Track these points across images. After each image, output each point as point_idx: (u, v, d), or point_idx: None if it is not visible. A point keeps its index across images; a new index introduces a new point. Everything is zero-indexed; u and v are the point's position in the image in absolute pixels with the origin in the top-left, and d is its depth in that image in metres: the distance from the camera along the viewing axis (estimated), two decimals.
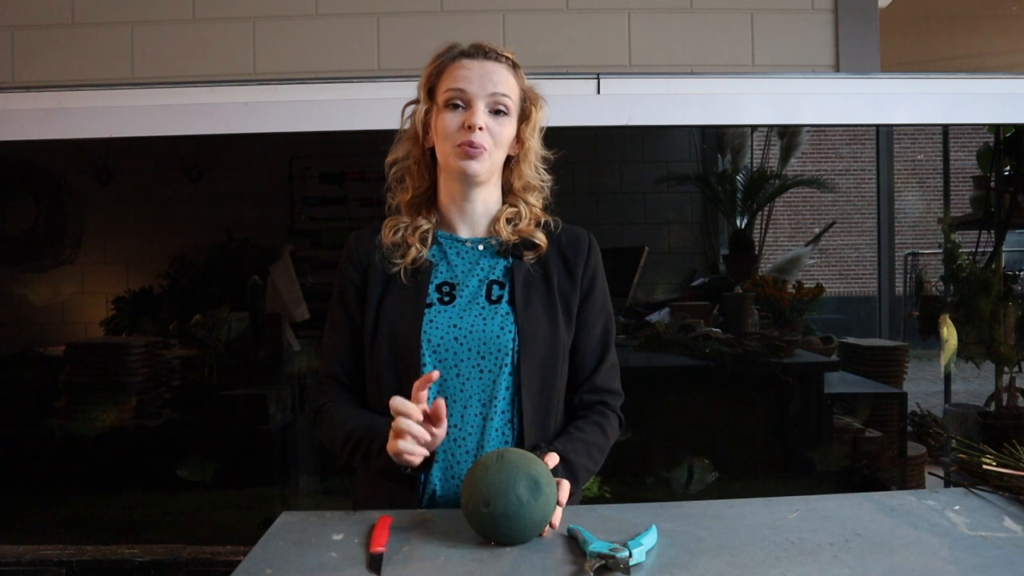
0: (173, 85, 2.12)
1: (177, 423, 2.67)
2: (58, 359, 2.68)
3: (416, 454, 1.05)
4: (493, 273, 1.23)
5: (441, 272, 1.23)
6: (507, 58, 1.22)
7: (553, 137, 1.30)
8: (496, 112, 1.18)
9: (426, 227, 1.24)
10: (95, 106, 2.07)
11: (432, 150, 1.24)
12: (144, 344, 2.70)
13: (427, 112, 1.22)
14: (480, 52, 1.20)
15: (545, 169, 1.28)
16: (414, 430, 1.03)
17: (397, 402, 1.05)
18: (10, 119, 2.07)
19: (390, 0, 2.40)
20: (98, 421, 2.61)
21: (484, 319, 1.19)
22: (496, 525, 0.97)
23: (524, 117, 1.23)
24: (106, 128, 2.08)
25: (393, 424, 1.05)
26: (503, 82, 1.19)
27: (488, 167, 1.19)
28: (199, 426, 2.69)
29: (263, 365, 2.75)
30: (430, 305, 1.20)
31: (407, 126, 1.26)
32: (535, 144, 1.25)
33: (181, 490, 2.63)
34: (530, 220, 1.25)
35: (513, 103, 1.20)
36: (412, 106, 1.26)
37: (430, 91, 1.22)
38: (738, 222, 3.00)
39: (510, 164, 1.27)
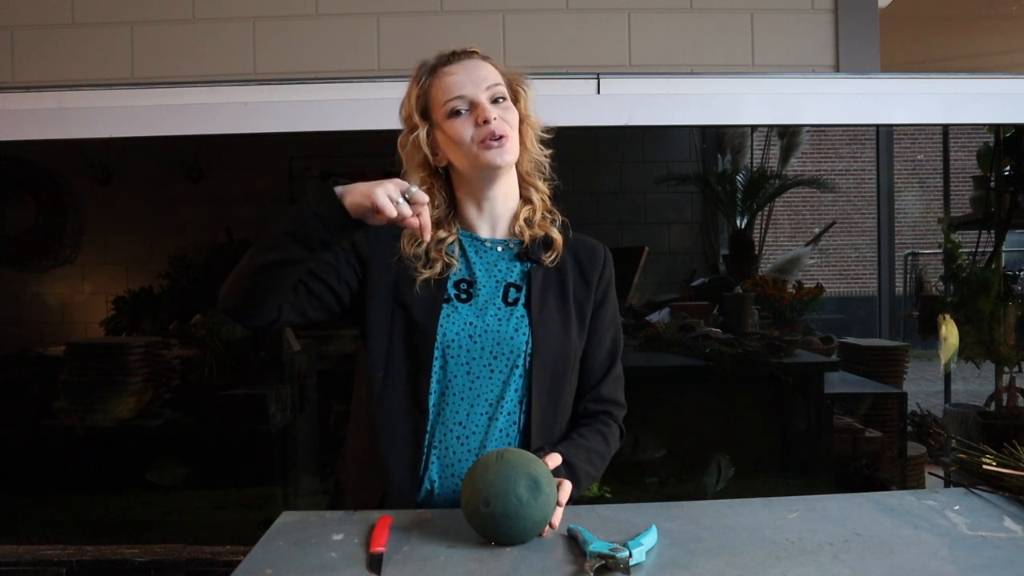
0: (173, 85, 2.12)
1: (177, 423, 2.67)
2: (58, 359, 2.68)
3: (392, 210, 1.03)
4: (511, 276, 1.24)
5: (460, 270, 1.24)
6: (476, 52, 1.23)
7: (553, 137, 1.30)
8: (496, 101, 1.19)
9: (450, 240, 1.24)
10: (95, 106, 2.07)
11: (445, 169, 1.25)
12: (144, 344, 2.70)
13: (429, 134, 1.22)
14: (454, 56, 1.21)
15: (542, 142, 1.28)
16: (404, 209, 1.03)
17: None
18: (10, 119, 2.07)
19: (390, 0, 2.40)
20: (98, 421, 2.61)
21: (500, 320, 1.19)
22: (496, 525, 0.97)
23: (516, 98, 1.24)
24: (106, 128, 2.08)
25: (388, 182, 1.04)
26: (489, 74, 1.20)
27: (514, 153, 1.20)
28: (199, 426, 2.69)
29: (263, 365, 2.75)
30: (448, 300, 1.20)
31: (415, 159, 1.23)
32: (533, 118, 1.26)
33: (181, 490, 2.63)
34: (543, 213, 1.26)
35: (504, 88, 1.21)
36: (411, 135, 1.22)
37: (423, 113, 1.22)
38: (738, 222, 3.00)
39: None
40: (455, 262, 1.23)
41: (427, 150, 1.22)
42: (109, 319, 2.80)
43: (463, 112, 1.18)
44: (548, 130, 1.28)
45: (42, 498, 2.60)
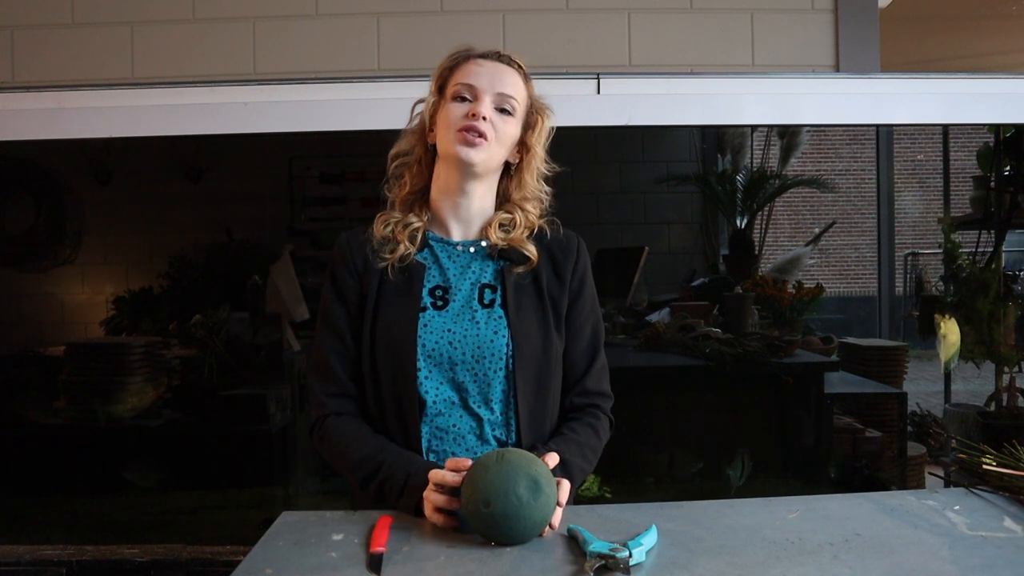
0: (173, 85, 2.12)
1: (177, 423, 2.67)
2: (58, 359, 2.68)
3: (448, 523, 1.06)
4: (484, 276, 1.23)
5: (434, 276, 1.23)
6: (519, 66, 1.24)
7: (553, 137, 1.30)
8: (501, 110, 1.20)
9: (416, 225, 1.24)
10: (95, 106, 2.07)
11: (435, 147, 1.25)
12: (144, 344, 2.70)
13: (435, 105, 1.24)
14: (495, 55, 1.23)
15: (543, 179, 1.29)
16: (450, 504, 1.05)
17: (438, 477, 1.06)
18: (10, 119, 2.07)
19: (390, 0, 2.40)
20: (98, 421, 2.61)
21: (477, 323, 1.19)
22: (496, 525, 0.97)
23: (529, 125, 1.25)
24: (106, 128, 2.07)
25: (431, 498, 1.06)
26: (513, 84, 1.21)
27: (485, 159, 1.19)
28: (199, 426, 2.69)
29: (263, 365, 2.75)
30: (424, 309, 1.20)
31: (415, 123, 1.27)
32: (540, 151, 1.26)
33: (181, 490, 2.63)
34: (524, 229, 1.25)
35: (519, 105, 1.22)
36: (421, 104, 1.27)
37: (441, 86, 1.24)
38: (738, 222, 3.00)
39: (510, 172, 1.27)
40: (413, 248, 1.22)
41: (427, 120, 1.24)
42: (109, 319, 2.80)
43: (466, 100, 1.19)
44: (550, 170, 1.29)
45: (42, 498, 2.60)
